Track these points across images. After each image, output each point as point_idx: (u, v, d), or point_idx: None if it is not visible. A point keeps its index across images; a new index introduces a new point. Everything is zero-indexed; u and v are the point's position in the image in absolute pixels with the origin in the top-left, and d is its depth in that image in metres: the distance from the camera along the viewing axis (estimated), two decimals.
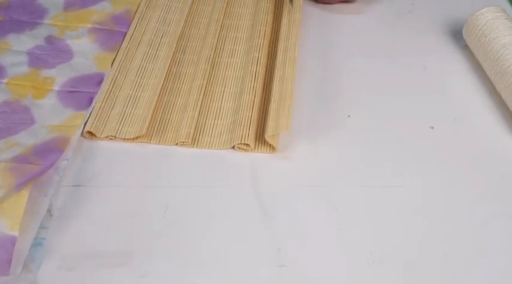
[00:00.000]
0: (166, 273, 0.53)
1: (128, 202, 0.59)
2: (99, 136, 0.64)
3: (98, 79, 0.69)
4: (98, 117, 0.66)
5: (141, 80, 0.70)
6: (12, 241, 0.52)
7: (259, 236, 0.56)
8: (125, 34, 0.76)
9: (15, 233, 0.52)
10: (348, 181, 0.62)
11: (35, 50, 0.73)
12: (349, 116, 0.68)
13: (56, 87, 0.68)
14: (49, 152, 0.61)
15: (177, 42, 0.75)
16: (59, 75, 0.70)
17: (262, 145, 0.64)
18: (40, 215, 0.55)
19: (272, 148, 0.64)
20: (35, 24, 0.76)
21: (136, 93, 0.69)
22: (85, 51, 0.73)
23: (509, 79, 0.66)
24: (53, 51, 0.73)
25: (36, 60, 0.71)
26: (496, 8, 0.73)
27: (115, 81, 0.70)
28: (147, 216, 0.58)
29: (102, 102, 0.67)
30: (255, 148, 0.64)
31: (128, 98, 0.68)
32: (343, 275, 0.54)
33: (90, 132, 0.64)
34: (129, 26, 0.77)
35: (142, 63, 0.72)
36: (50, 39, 0.74)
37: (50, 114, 0.66)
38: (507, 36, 0.69)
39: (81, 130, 0.64)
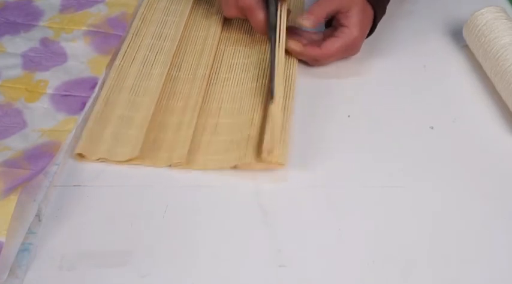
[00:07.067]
0: (166, 273, 0.55)
1: (128, 202, 0.61)
2: (90, 158, 0.64)
3: (91, 84, 0.71)
4: (89, 138, 0.65)
5: (135, 98, 0.69)
6: None
7: (259, 236, 0.58)
8: (120, 37, 0.77)
9: (2, 238, 0.53)
10: (348, 181, 0.64)
11: (29, 52, 0.74)
12: (349, 116, 0.70)
13: (50, 91, 0.70)
14: (40, 157, 0.62)
15: (173, 59, 0.74)
16: (53, 78, 0.71)
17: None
18: (28, 221, 0.57)
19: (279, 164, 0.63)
20: (30, 26, 0.78)
21: (130, 113, 0.68)
22: (79, 54, 0.75)
23: (509, 79, 0.69)
24: (48, 54, 0.74)
25: (30, 62, 0.73)
26: (496, 8, 0.75)
27: (107, 100, 0.69)
28: (147, 216, 0.60)
29: (93, 123, 0.66)
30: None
31: (121, 118, 0.67)
32: (343, 276, 0.56)
33: (80, 154, 0.64)
34: (124, 29, 0.78)
35: (136, 81, 0.71)
36: (44, 42, 0.76)
37: (42, 118, 0.67)
38: (507, 36, 0.71)
39: (72, 135, 0.65)
